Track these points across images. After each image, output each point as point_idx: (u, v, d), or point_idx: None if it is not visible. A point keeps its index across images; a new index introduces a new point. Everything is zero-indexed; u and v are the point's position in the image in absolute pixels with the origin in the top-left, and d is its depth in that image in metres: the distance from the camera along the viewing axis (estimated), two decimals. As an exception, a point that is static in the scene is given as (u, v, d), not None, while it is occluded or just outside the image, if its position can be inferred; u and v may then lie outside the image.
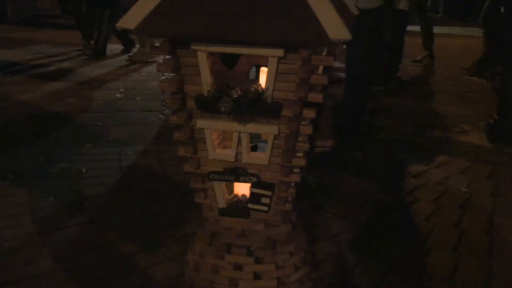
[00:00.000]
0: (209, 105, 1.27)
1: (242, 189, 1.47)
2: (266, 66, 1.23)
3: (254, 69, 1.54)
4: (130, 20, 1.16)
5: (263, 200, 1.41)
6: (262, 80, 1.31)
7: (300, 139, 1.32)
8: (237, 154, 1.35)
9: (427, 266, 1.71)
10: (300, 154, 1.35)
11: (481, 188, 2.31)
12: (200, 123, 1.31)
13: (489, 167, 2.53)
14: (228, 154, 1.36)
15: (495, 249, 1.82)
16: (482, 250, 1.82)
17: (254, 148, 1.42)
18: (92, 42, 5.36)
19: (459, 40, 6.96)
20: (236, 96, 1.22)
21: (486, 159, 2.65)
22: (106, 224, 1.96)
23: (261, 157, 1.35)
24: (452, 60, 5.38)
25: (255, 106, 1.23)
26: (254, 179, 1.37)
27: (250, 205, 1.43)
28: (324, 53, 1.21)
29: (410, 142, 2.88)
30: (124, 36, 5.38)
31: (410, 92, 4.17)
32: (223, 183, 1.43)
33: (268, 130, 1.29)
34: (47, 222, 1.96)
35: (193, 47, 1.20)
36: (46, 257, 1.73)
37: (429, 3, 6.25)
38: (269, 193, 1.39)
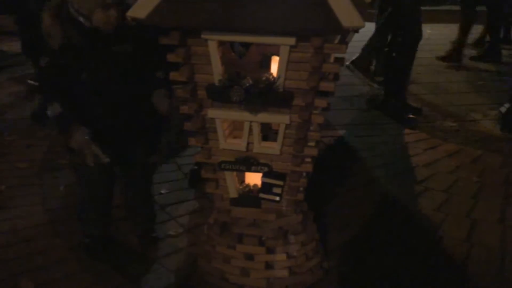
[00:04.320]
0: (220, 95, 1.26)
1: (254, 179, 1.46)
2: (277, 54, 1.22)
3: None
4: (140, 9, 1.15)
5: (275, 190, 1.40)
6: (274, 69, 1.30)
7: (311, 128, 1.31)
8: (248, 143, 1.34)
9: (439, 255, 1.70)
10: (312, 144, 1.34)
11: (493, 177, 2.29)
12: (211, 112, 1.31)
13: (500, 156, 2.50)
14: (239, 144, 1.35)
15: (507, 238, 1.81)
16: (494, 239, 1.80)
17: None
18: None
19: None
20: (247, 85, 1.21)
21: (497, 148, 2.61)
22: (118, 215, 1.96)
23: (272, 146, 1.34)
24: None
25: (267, 96, 1.22)
26: (266, 169, 1.37)
27: (261, 195, 1.43)
28: (336, 41, 1.19)
29: (420, 132, 2.85)
30: None
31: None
32: (235, 173, 1.43)
33: (279, 119, 1.28)
34: (58, 212, 1.97)
35: (204, 36, 1.19)
36: (58, 247, 1.74)
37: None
38: (280, 183, 1.39)
